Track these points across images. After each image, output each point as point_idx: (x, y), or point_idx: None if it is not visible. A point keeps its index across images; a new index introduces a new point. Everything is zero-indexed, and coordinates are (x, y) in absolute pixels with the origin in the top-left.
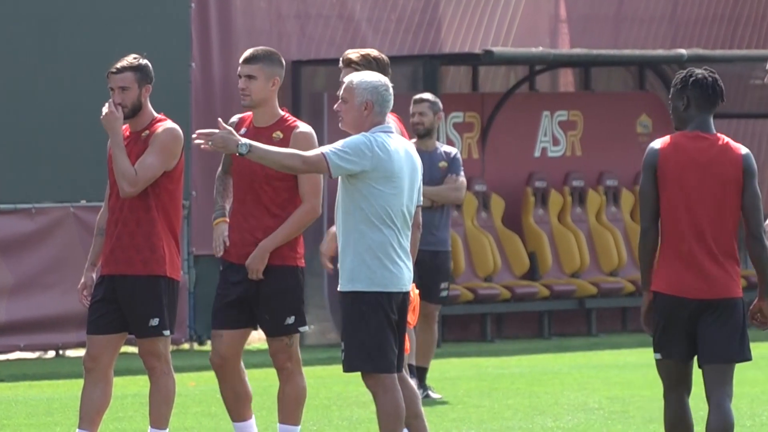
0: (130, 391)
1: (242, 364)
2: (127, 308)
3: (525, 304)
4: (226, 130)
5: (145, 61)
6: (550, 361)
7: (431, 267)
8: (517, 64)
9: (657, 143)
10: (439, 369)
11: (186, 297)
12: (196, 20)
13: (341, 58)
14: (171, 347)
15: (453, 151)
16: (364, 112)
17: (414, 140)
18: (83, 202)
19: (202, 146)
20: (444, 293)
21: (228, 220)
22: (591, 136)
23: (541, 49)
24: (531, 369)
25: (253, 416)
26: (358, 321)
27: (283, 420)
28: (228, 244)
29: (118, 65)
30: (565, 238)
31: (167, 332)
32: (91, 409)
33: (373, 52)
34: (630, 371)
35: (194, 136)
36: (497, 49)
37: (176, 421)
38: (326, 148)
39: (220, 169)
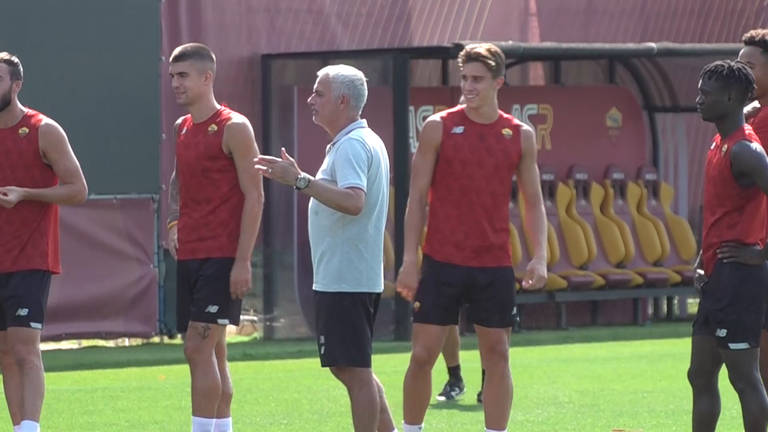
0: (100, 384)
1: (214, 359)
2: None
3: None
4: (288, 161)
5: (16, 59)
6: (520, 355)
7: None
8: None
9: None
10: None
11: (156, 290)
12: (166, 13)
13: (464, 52)
14: (141, 341)
15: None
16: (341, 105)
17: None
18: None
19: (261, 172)
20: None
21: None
22: (561, 130)
23: (511, 42)
24: None
25: (230, 416)
26: (339, 317)
27: (195, 412)
28: (178, 247)
29: None
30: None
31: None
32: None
33: (494, 47)
34: (600, 365)
35: (256, 160)
36: (467, 42)
37: (146, 414)
38: (352, 180)
39: (173, 173)
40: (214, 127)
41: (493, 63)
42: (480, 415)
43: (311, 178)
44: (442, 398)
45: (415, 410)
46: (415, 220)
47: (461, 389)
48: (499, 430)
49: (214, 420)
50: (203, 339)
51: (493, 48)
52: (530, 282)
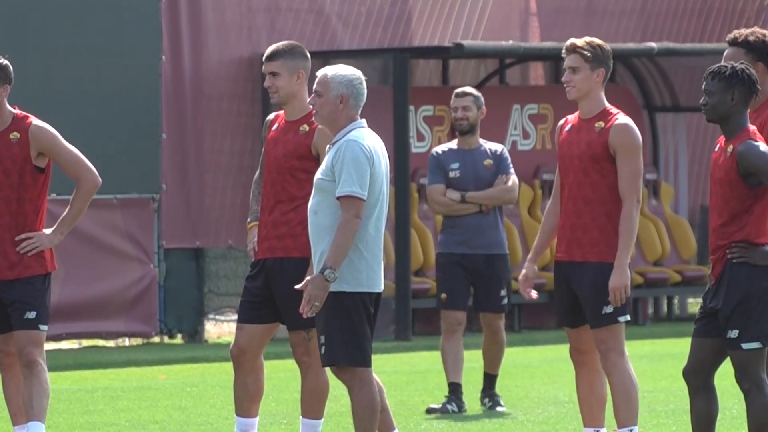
0: (100, 384)
1: (262, 360)
2: None
3: None
4: (306, 282)
5: (5, 62)
6: (520, 354)
7: (487, 273)
8: (488, 58)
9: None
10: (410, 362)
11: (156, 290)
12: (167, 13)
13: (565, 46)
14: (141, 340)
15: (499, 148)
16: (340, 105)
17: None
18: (53, 196)
19: (315, 309)
20: (504, 301)
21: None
22: None
23: (511, 42)
24: (502, 362)
25: (258, 416)
26: (340, 317)
27: (304, 414)
28: (257, 248)
29: None
30: (534, 232)
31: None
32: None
33: (597, 40)
34: None
35: (301, 310)
36: (467, 42)
37: (146, 414)
38: (348, 188)
39: (257, 172)
40: (306, 127)
41: (589, 54)
42: (481, 424)
43: (327, 265)
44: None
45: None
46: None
47: (460, 407)
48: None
49: (253, 419)
50: (309, 342)
51: (595, 41)
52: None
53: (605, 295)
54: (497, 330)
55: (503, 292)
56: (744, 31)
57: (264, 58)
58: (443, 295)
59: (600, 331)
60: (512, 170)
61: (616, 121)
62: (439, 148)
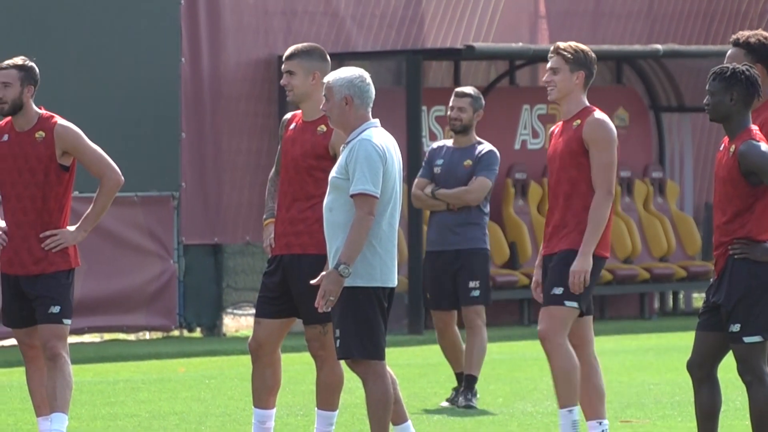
0: (122, 376)
1: (279, 353)
2: None
3: (505, 292)
4: (321, 278)
5: (31, 64)
6: (530, 348)
7: (458, 267)
8: (498, 59)
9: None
10: (422, 355)
11: (176, 285)
12: (186, 17)
13: (552, 48)
14: (161, 334)
15: (486, 149)
16: (346, 107)
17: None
18: (77, 193)
19: (329, 304)
20: (475, 292)
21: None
22: None
23: (520, 44)
24: (511, 355)
25: (275, 408)
26: (354, 311)
27: (319, 406)
28: (274, 245)
29: (4, 63)
30: (543, 228)
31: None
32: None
33: (582, 45)
34: (607, 358)
35: (316, 305)
36: (478, 44)
37: (166, 405)
38: (361, 186)
39: (273, 170)
40: (323, 128)
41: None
42: (491, 416)
43: (342, 261)
44: (446, 404)
45: None
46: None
47: (471, 397)
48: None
49: (270, 411)
50: (324, 336)
51: (579, 46)
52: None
53: (561, 277)
54: (473, 326)
55: (473, 284)
56: (746, 33)
57: (283, 57)
58: (428, 295)
59: (545, 310)
60: (488, 172)
61: (590, 117)
62: (436, 144)
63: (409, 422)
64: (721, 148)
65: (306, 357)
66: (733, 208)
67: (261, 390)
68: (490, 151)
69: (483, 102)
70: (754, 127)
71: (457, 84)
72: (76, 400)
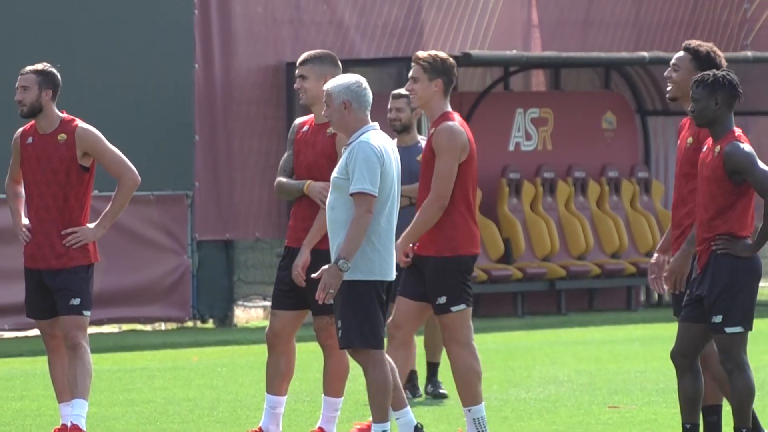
0: (138, 365)
1: (294, 343)
2: None
3: (500, 286)
4: (321, 271)
5: (53, 70)
6: (523, 338)
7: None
8: (493, 66)
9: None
10: (420, 345)
11: (189, 279)
12: (199, 25)
13: (413, 57)
14: (176, 325)
15: None
16: (345, 111)
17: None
18: (96, 192)
19: (329, 297)
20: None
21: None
22: (560, 132)
23: (514, 52)
24: (506, 345)
25: (286, 395)
26: (355, 303)
27: (326, 392)
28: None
29: (26, 68)
30: (536, 225)
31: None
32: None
33: (441, 54)
34: (596, 347)
35: (317, 297)
36: (475, 51)
37: (180, 392)
38: (360, 186)
39: (280, 177)
40: (332, 129)
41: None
42: (486, 402)
43: (341, 256)
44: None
45: None
46: None
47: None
48: None
49: (282, 397)
50: (333, 326)
51: (439, 55)
52: None
53: (442, 286)
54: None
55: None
56: (699, 42)
57: (297, 62)
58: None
59: (439, 319)
60: None
61: (441, 125)
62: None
63: (408, 408)
64: (704, 149)
65: (312, 346)
66: (715, 205)
67: (275, 377)
68: None
69: None
70: (737, 130)
71: (455, 89)
72: (96, 387)
